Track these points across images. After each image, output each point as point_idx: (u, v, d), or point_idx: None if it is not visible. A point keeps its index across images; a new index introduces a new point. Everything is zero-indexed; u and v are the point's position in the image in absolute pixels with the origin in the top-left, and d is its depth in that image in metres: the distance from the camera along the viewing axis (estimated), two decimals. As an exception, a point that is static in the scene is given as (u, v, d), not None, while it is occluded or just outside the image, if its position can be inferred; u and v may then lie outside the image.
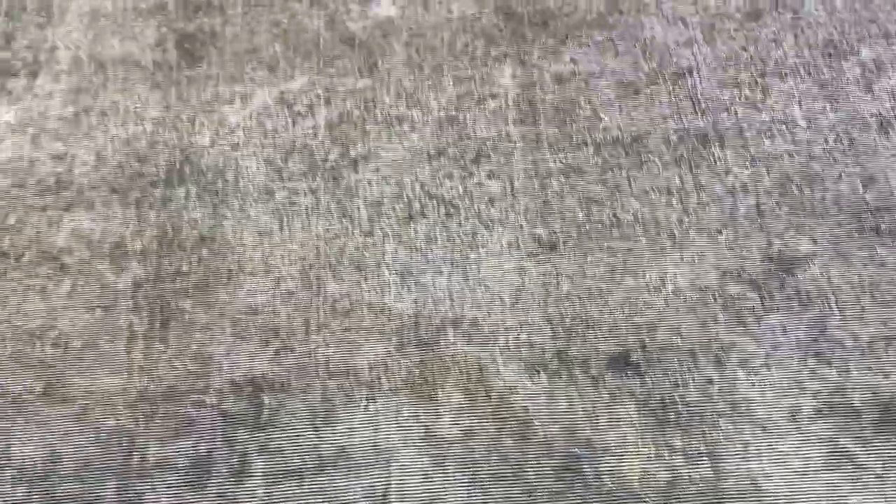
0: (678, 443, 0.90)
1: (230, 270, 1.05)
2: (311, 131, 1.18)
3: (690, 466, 0.89)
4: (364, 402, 0.95)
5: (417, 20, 1.29)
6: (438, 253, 1.06)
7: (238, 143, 1.16)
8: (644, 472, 0.89)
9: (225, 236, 1.08)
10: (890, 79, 1.17)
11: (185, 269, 1.06)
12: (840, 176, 1.08)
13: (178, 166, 1.14)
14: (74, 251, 1.07)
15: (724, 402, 0.92)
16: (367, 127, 1.18)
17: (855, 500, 0.85)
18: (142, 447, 0.93)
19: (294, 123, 1.18)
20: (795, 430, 0.90)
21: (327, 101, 1.21)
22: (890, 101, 1.15)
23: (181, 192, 1.12)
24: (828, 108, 1.15)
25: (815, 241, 1.03)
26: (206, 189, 1.12)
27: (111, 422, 0.95)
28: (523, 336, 0.99)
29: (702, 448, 0.90)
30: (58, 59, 1.25)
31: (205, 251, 1.07)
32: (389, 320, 1.01)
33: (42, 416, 0.96)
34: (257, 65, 1.24)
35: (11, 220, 1.10)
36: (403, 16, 1.30)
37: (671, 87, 1.20)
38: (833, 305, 0.98)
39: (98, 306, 1.03)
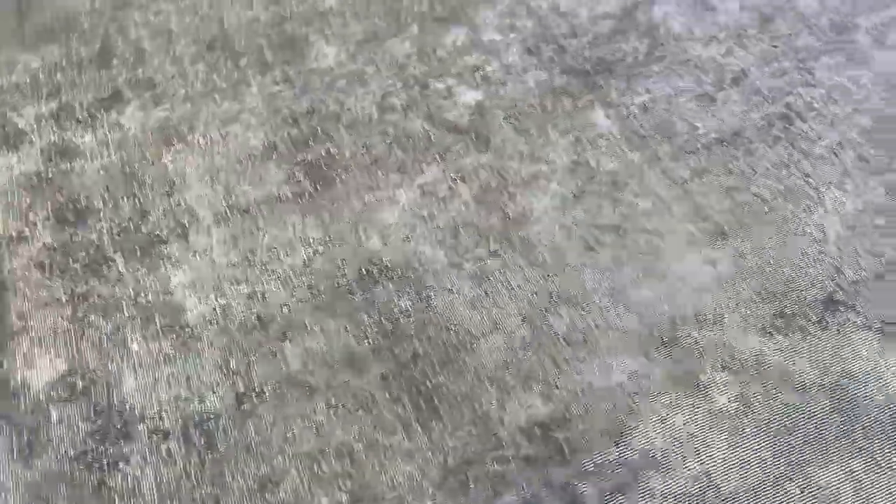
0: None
1: (460, 340, 1.13)
2: (462, 207, 1.29)
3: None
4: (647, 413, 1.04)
5: (501, 95, 1.46)
6: (630, 270, 1.19)
7: (406, 236, 1.26)
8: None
9: (440, 312, 1.16)
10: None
11: (420, 351, 1.13)
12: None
13: (367, 271, 1.22)
14: (313, 372, 1.12)
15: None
16: (511, 189, 1.31)
17: None
18: (474, 512, 0.97)
19: (445, 205, 1.29)
20: None
21: (462, 179, 1.33)
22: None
23: (380, 290, 1.19)
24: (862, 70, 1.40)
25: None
26: (400, 280, 1.20)
27: None
28: (742, 310, 1.12)
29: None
30: (199, 218, 1.32)
31: (430, 330, 1.14)
32: (630, 336, 1.12)
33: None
34: (387, 171, 1.36)
35: (234, 364, 1.13)
36: (488, 95, 1.46)
37: (736, 88, 1.42)
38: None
39: (361, 409, 1.07)
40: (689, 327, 1.12)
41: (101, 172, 1.39)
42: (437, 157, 1.37)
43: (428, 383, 1.09)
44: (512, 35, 1.57)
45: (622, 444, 1.01)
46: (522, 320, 1.14)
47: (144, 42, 1.63)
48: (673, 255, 1.20)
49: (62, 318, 1.20)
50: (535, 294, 1.17)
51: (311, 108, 1.47)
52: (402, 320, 1.16)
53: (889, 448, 0.98)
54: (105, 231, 1.30)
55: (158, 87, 1.54)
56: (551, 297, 1.16)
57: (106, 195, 1.36)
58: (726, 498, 0.96)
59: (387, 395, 1.09)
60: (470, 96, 1.46)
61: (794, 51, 1.47)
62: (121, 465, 1.05)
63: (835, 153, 1.30)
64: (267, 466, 1.03)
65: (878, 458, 0.97)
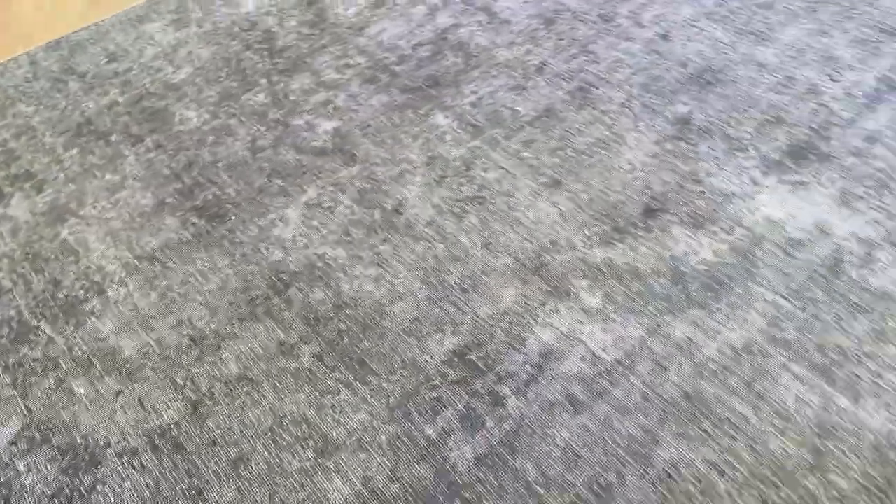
0: None
1: (375, 310, 1.33)
2: (347, 210, 1.50)
3: None
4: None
5: (354, 119, 1.70)
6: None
7: (305, 244, 1.45)
8: None
9: (352, 295, 1.35)
10: (648, 13, 1.83)
11: (343, 328, 1.31)
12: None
13: (278, 279, 1.39)
14: (252, 368, 1.27)
15: None
16: (384, 188, 1.54)
17: None
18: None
19: (332, 213, 1.50)
20: None
21: (341, 190, 1.55)
22: (658, 22, 1.80)
23: (294, 291, 1.37)
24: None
25: (687, 99, 1.60)
26: (310, 279, 1.39)
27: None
28: (586, 232, 1.41)
29: None
30: (111, 273, 1.44)
31: (347, 310, 1.34)
32: (507, 271, 1.36)
33: None
34: (272, 197, 1.55)
35: (180, 380, 1.26)
36: (343, 121, 1.70)
37: (541, 76, 1.74)
38: None
39: (305, 384, 1.24)
40: (551, 254, 1.38)
41: (5, 260, 1.48)
42: (314, 177, 1.58)
43: (356, 349, 1.28)
44: (349, 72, 1.83)
45: (523, 350, 1.25)
46: (421, 283, 1.36)
47: (10, 143, 1.73)
48: (525, 206, 1.47)
49: (3, 386, 1.28)
50: (426, 261, 1.39)
51: (189, 162, 1.64)
52: (320, 309, 1.35)
53: (710, 299, 1.28)
54: (23, 306, 1.39)
55: (37, 175, 1.65)
56: (439, 260, 1.39)
57: (14, 276, 1.45)
58: (610, 368, 1.21)
59: (324, 368, 1.26)
60: (328, 125, 1.69)
61: (576, 40, 1.83)
62: (98, 487, 1.14)
63: (626, 107, 1.64)
64: (234, 450, 1.17)
65: (709, 306, 1.27)
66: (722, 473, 1.07)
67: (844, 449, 1.08)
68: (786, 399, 1.14)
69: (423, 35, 1.89)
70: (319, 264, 1.41)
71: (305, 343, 1.29)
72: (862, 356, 1.17)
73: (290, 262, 1.42)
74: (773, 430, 1.11)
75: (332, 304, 1.34)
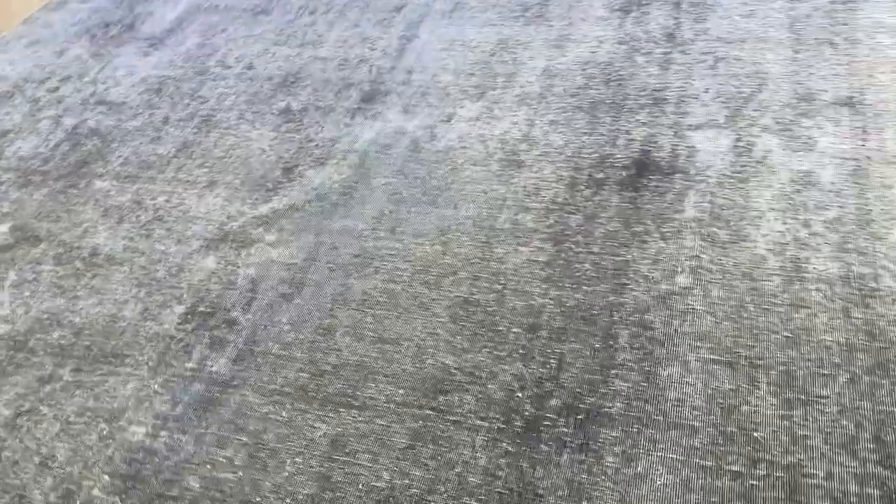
0: None
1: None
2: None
3: None
4: None
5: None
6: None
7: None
8: None
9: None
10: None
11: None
12: None
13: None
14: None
15: None
16: (75, 246, 1.80)
17: None
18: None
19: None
20: None
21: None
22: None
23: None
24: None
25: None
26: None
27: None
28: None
29: None
30: None
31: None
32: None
33: None
34: None
35: None
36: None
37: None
38: None
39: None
40: (229, 224, 1.77)
41: None
42: (10, 266, 1.79)
43: (109, 351, 1.54)
44: (2, 186, 2.04)
45: (236, 285, 1.61)
46: (137, 288, 1.66)
47: None
48: (197, 205, 1.84)
49: None
50: (135, 273, 1.69)
51: None
52: (64, 343, 1.57)
53: (348, 201, 1.77)
54: None
55: None
56: (147, 268, 1.70)
57: None
58: (299, 268, 1.62)
59: (86, 372, 1.50)
60: (3, 227, 1.90)
61: (185, 93, 2.26)
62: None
63: (242, 118, 2.10)
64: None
65: (348, 204, 1.75)
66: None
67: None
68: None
69: (56, 138, 2.18)
70: (45, 317, 1.63)
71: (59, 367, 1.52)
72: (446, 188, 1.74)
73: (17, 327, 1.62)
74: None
75: (72, 335, 1.58)
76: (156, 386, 1.44)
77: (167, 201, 1.87)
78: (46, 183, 2.02)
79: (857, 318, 1.29)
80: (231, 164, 1.95)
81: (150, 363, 1.49)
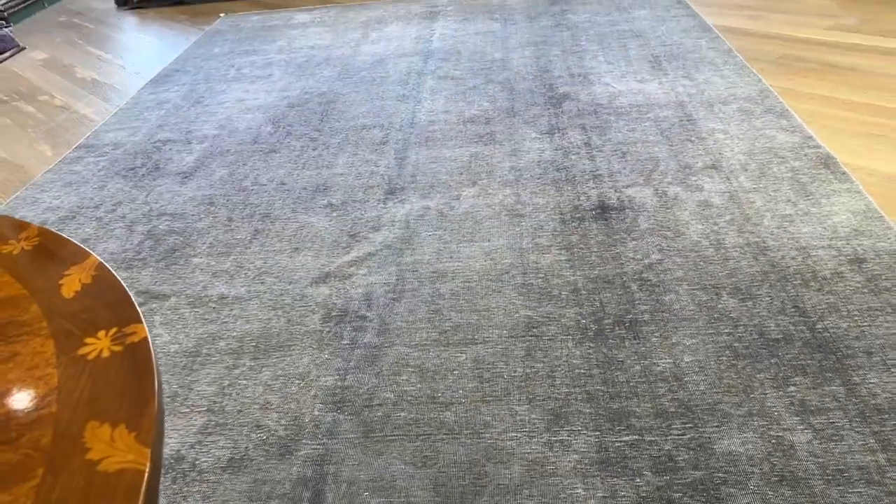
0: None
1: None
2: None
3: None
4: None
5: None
6: (284, 276, 2.39)
7: (185, 335, 2.15)
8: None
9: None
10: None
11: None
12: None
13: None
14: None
15: None
16: (202, 296, 2.33)
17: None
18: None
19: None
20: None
21: (176, 311, 2.28)
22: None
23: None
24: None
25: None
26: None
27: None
28: (332, 255, 2.48)
29: None
30: None
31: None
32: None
33: None
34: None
35: (185, 412, 1.86)
36: (137, 288, 2.41)
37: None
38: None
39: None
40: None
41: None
42: (150, 314, 2.26)
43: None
44: (107, 271, 2.52)
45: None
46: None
47: None
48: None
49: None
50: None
51: None
52: (230, 346, 2.08)
53: (412, 244, 2.48)
54: None
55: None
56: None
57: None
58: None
59: (263, 361, 2.02)
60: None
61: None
62: (197, 463, 1.70)
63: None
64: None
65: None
66: (472, 278, 2.25)
67: (501, 250, 2.37)
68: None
69: (137, 239, 2.70)
70: (206, 335, 2.14)
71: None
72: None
73: (188, 341, 2.11)
74: (475, 260, 2.34)
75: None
76: (326, 355, 2.01)
77: (265, 263, 2.47)
78: (148, 265, 2.53)
79: (762, 260, 2.20)
80: (305, 237, 2.60)
81: (313, 346, 2.05)
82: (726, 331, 1.92)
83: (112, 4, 6.47)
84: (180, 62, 4.69)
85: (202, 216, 2.79)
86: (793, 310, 1.96)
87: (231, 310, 2.23)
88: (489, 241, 2.43)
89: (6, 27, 5.23)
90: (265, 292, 2.29)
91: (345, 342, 2.04)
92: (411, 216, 2.64)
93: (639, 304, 2.07)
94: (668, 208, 2.50)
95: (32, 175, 3.37)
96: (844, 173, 2.56)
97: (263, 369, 1.97)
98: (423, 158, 3.07)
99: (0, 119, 4.09)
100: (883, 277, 2.03)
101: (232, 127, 3.61)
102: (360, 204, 2.76)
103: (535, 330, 2.01)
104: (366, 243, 2.50)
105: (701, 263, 2.20)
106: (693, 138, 2.95)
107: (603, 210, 2.53)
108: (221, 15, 5.74)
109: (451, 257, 2.37)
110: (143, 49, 5.20)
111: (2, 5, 6.24)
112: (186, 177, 3.13)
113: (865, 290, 2.00)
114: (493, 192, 2.73)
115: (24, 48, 5.35)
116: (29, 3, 6.63)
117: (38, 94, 4.43)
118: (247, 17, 5.64)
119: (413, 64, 4.18)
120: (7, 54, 5.11)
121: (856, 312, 1.93)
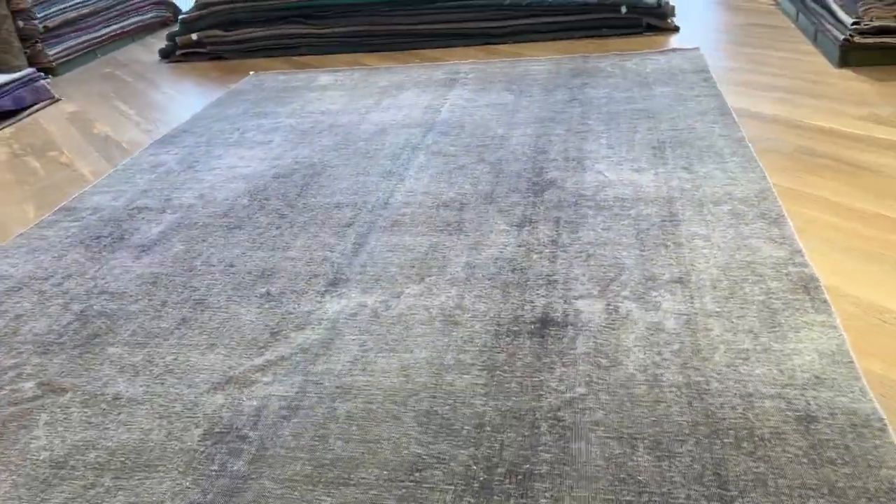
0: None
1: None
2: (80, 415, 2.13)
3: None
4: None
5: (49, 374, 2.33)
6: (188, 377, 2.25)
7: (61, 440, 2.03)
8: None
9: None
10: (216, 257, 2.92)
11: (123, 459, 1.94)
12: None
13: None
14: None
15: None
16: (99, 393, 2.21)
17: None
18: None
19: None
20: None
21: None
22: (224, 258, 2.90)
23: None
24: (214, 272, 2.83)
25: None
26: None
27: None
28: (245, 356, 2.32)
29: None
30: None
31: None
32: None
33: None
34: (14, 431, 2.07)
35: None
36: (41, 378, 2.31)
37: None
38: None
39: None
40: (232, 371, 2.25)
41: None
42: (40, 411, 2.15)
43: (140, 463, 1.92)
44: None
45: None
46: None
47: None
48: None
49: None
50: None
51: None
52: (99, 459, 1.94)
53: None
54: None
55: None
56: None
57: None
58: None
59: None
60: (29, 384, 2.28)
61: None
62: None
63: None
64: None
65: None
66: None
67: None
68: (382, 364, 2.19)
69: (66, 319, 2.62)
70: (80, 443, 2.00)
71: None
72: (405, 337, 2.32)
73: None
74: (384, 377, 2.14)
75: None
76: (188, 483, 1.83)
77: (175, 360, 2.33)
78: (64, 351, 2.44)
79: (697, 407, 1.92)
80: (226, 332, 2.46)
81: (179, 470, 1.88)
82: (627, 498, 1.65)
83: (157, 57, 6.65)
84: (192, 122, 4.72)
85: (139, 297, 2.70)
86: (712, 478, 1.67)
87: (119, 414, 2.10)
88: (411, 352, 2.23)
89: (44, 79, 5.41)
90: (159, 396, 2.16)
91: (213, 468, 1.87)
92: (342, 315, 2.46)
93: (542, 450, 1.82)
94: (613, 329, 2.24)
95: (9, 236, 3.37)
96: (825, 301, 2.25)
97: (119, 493, 1.82)
98: (380, 246, 2.90)
99: (4, 174, 4.17)
100: (830, 445, 1.72)
101: (211, 197, 3.55)
102: (297, 296, 2.61)
103: (417, 474, 1.78)
104: (283, 344, 2.34)
105: (627, 405, 1.94)
106: (669, 243, 2.68)
107: (543, 325, 2.29)
108: (251, 73, 5.80)
109: (363, 370, 2.18)
110: (166, 105, 5.27)
111: (53, 55, 6.51)
112: (144, 250, 3.07)
113: (805, 461, 1.69)
114: (438, 292, 2.54)
115: (58, 100, 5.52)
116: (83, 52, 6.90)
117: (50, 149, 4.51)
118: (274, 76, 5.67)
119: (412, 136, 4.06)
120: (38, 106, 5.27)
121: (784, 490, 1.62)
